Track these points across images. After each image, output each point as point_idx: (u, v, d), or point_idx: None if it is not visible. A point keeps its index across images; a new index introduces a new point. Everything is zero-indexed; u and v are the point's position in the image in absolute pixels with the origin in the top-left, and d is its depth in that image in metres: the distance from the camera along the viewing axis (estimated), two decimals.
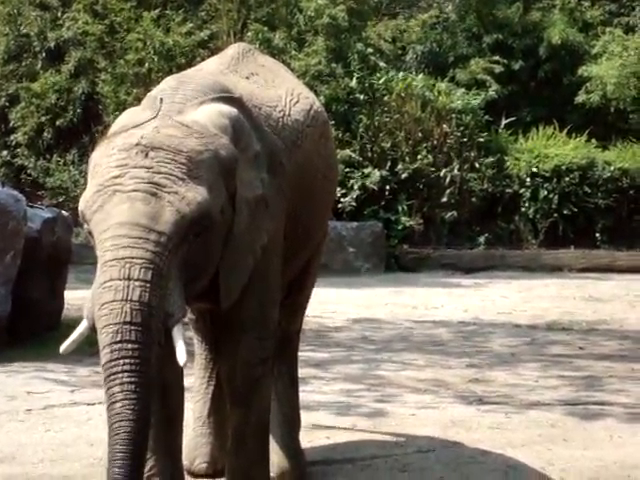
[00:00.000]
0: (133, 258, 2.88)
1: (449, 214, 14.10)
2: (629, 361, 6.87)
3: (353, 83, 14.35)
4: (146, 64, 14.12)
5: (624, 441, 4.85)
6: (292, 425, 4.22)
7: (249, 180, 3.29)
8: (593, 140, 14.86)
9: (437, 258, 13.50)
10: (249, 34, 14.24)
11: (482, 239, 14.09)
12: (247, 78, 3.89)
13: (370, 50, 14.72)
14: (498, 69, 16.24)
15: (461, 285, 11.81)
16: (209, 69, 3.91)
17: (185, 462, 3.83)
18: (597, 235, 13.97)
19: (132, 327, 2.82)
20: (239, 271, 3.29)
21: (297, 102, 3.93)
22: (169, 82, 3.49)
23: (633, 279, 12.06)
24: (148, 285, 2.86)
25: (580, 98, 16.48)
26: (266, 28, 14.39)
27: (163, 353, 2.92)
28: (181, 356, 2.90)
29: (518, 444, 4.78)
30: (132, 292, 2.85)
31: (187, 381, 3.55)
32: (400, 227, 13.89)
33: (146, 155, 3.02)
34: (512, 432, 5.00)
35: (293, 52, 14.34)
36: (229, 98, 3.41)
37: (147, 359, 2.83)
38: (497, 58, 16.36)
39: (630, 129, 16.66)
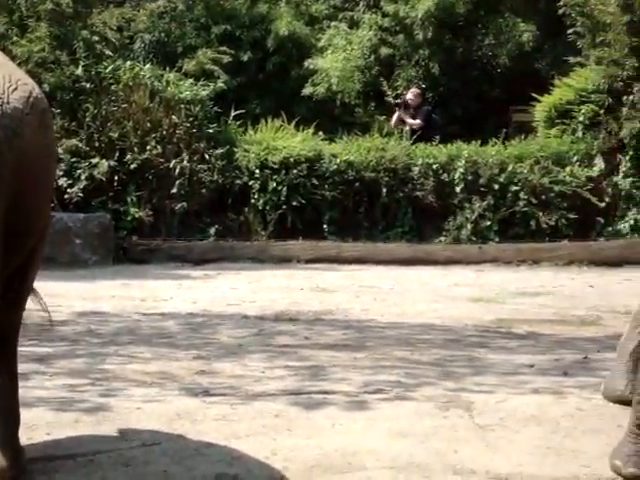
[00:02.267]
0: None
1: (179, 205, 14.04)
2: (352, 350, 7.02)
3: (79, 71, 14.04)
4: None
5: (345, 429, 4.93)
6: (10, 423, 4.05)
7: None
8: (320, 133, 15.12)
9: (167, 250, 13.42)
10: None
11: (212, 230, 14.11)
12: None
13: (96, 38, 14.43)
14: (226, 60, 16.31)
15: (191, 277, 11.77)
16: None
17: None
18: (325, 226, 14.23)
19: None
20: None
21: (15, 89, 3.75)
22: None
23: (358, 270, 12.38)
24: None
25: (307, 91, 16.83)
26: None
27: None
28: None
29: (243, 435, 4.78)
30: None
31: None
32: (129, 218, 13.73)
33: None
34: (237, 423, 4.99)
35: (15, 38, 13.86)
36: None
37: None
38: (225, 49, 16.43)
39: (355, 122, 17.15)
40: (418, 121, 15.24)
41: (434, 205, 14.26)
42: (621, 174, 14.13)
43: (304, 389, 5.75)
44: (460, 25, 18.59)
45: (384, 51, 18.25)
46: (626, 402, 4.80)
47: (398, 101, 15.65)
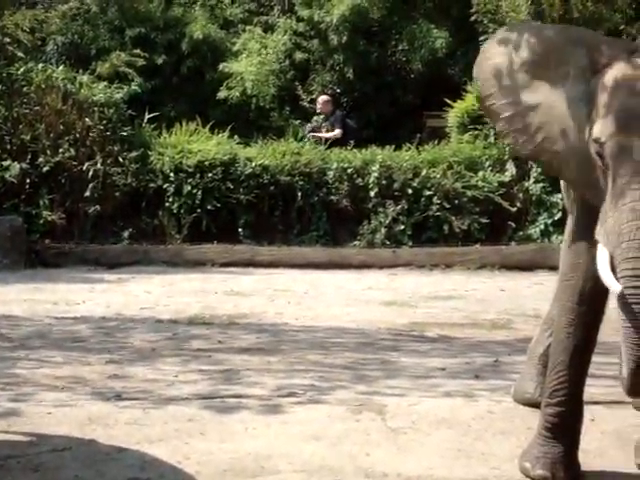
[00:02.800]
0: None
1: (92, 209, 13.90)
2: (266, 354, 7.03)
3: None
4: None
5: (258, 433, 4.95)
6: None
7: None
8: (235, 136, 15.08)
9: (80, 253, 13.27)
10: None
11: (126, 234, 13.98)
12: None
13: (8, 40, 14.22)
14: (141, 63, 16.21)
15: (104, 280, 11.66)
16: None
17: None
18: (239, 230, 14.18)
19: None
20: None
21: None
22: None
23: (273, 273, 12.38)
24: None
25: (222, 94, 16.78)
26: None
27: None
28: None
29: (155, 439, 4.78)
30: None
31: None
32: (41, 221, 13.54)
33: None
34: (150, 427, 4.98)
35: None
36: None
37: None
38: (139, 52, 16.32)
39: (271, 126, 17.13)
40: (338, 131, 15.28)
41: (349, 209, 14.31)
42: (532, 179, 14.31)
43: (217, 393, 5.75)
44: (374, 30, 18.68)
45: (299, 55, 18.27)
46: (536, 405, 4.89)
47: (309, 131, 15.62)
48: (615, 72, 3.96)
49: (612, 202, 3.83)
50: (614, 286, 3.75)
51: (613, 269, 3.80)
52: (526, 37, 4.35)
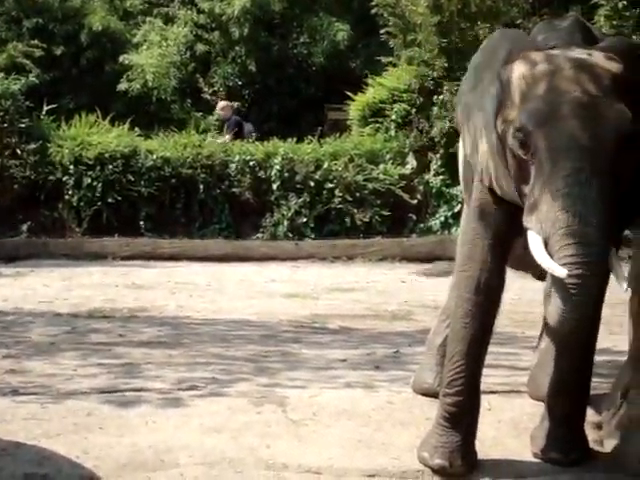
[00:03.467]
0: None
1: None
2: (166, 347, 6.99)
3: None
4: None
5: (158, 426, 4.93)
6: None
7: None
8: (136, 129, 14.96)
9: None
10: None
11: (25, 227, 13.79)
12: None
13: None
14: (39, 54, 15.97)
15: (2, 274, 11.46)
16: None
17: None
18: (141, 223, 14.08)
19: None
20: None
21: None
22: None
23: (175, 266, 12.31)
24: None
25: (122, 86, 16.63)
26: None
27: None
28: None
29: (54, 434, 4.72)
30: None
31: None
32: None
33: None
34: (48, 422, 4.92)
35: None
36: None
37: None
38: (37, 43, 16.08)
39: (172, 119, 17.03)
40: (227, 137, 15.24)
41: (251, 202, 14.30)
42: (432, 172, 14.46)
43: (117, 387, 5.71)
44: (276, 23, 18.71)
45: (200, 47, 18.21)
46: (435, 395, 4.94)
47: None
48: (530, 63, 4.02)
49: (542, 190, 3.85)
50: (558, 271, 3.74)
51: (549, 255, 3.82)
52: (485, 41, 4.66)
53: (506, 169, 4.11)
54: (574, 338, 4.05)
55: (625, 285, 3.87)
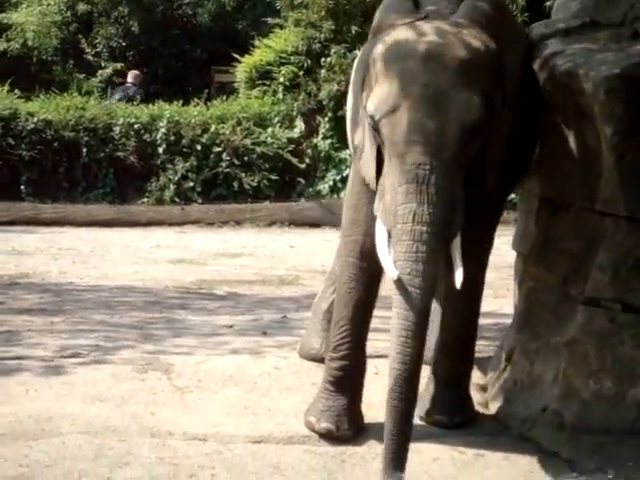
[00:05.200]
0: None
1: None
2: (48, 314, 6.83)
3: None
4: None
5: (39, 395, 4.81)
6: None
7: None
8: (16, 90, 14.59)
9: None
10: None
11: None
12: None
13: None
14: None
15: None
16: None
17: None
18: (22, 187, 13.78)
19: None
20: None
21: None
22: None
23: (57, 232, 12.05)
24: None
25: (1, 46, 16.19)
26: None
27: None
28: None
29: None
30: None
31: None
32: None
33: None
34: None
35: None
36: None
37: None
38: None
39: (54, 80, 16.64)
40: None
41: (136, 166, 14.09)
42: (320, 136, 14.45)
43: None
44: None
45: (82, 7, 17.85)
46: (321, 360, 4.92)
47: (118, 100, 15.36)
48: (390, 40, 3.91)
49: (388, 180, 3.83)
50: (390, 271, 3.74)
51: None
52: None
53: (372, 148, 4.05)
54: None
55: (459, 278, 3.79)
